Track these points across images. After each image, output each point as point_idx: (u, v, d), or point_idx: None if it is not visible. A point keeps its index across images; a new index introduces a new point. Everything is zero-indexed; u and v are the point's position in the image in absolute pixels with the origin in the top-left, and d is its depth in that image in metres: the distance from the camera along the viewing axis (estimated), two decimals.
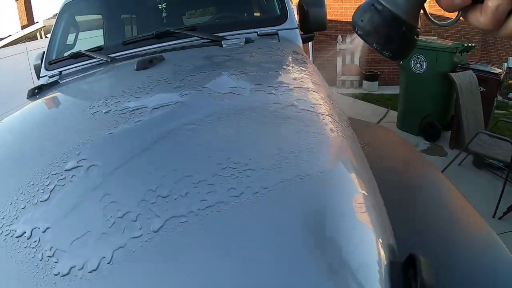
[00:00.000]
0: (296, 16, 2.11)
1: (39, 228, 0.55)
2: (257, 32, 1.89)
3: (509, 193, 3.13)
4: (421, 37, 4.83)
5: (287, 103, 0.83)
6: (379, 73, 7.88)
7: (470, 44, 4.46)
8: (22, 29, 12.14)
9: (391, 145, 1.40)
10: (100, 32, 2.64)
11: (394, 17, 0.54)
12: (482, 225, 0.88)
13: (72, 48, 2.28)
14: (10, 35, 11.86)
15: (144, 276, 0.46)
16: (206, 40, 1.80)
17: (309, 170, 0.61)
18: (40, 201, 0.60)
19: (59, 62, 2.07)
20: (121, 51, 1.90)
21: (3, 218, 0.59)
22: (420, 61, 4.42)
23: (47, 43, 2.27)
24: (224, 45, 1.67)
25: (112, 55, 1.86)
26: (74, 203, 0.57)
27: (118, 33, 2.50)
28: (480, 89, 3.83)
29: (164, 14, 2.21)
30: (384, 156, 1.21)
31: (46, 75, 2.05)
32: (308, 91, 0.96)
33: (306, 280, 0.44)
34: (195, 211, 0.51)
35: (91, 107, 0.96)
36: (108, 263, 0.47)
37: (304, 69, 1.23)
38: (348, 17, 7.85)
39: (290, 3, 2.11)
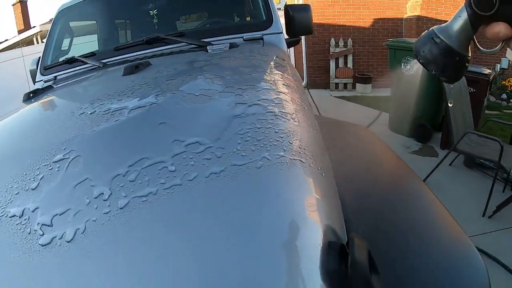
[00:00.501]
0: (283, 21, 2.18)
1: (29, 209, 0.65)
2: (243, 37, 1.96)
3: (498, 192, 3.18)
4: (411, 39, 4.90)
5: (251, 102, 0.90)
6: (371, 76, 7.96)
7: None
8: (18, 33, 12.19)
9: (366, 144, 1.45)
10: (94, 37, 2.70)
11: (449, 49, 0.66)
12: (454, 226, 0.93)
13: (67, 54, 2.35)
14: (6, 40, 11.90)
15: (111, 244, 0.56)
16: (193, 46, 1.87)
17: (258, 158, 0.69)
18: (31, 188, 0.70)
19: (54, 67, 2.14)
20: (113, 57, 1.97)
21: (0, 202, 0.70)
22: (411, 63, 4.48)
23: (43, 49, 2.33)
24: (209, 50, 1.74)
25: (104, 61, 1.93)
26: (59, 188, 0.68)
27: (112, 39, 2.56)
28: (470, 90, 3.89)
29: (155, 20, 2.27)
30: (357, 155, 1.26)
31: (42, 80, 2.12)
32: (275, 92, 1.01)
33: (248, 261, 0.51)
34: (153, 192, 0.62)
35: (79, 109, 1.04)
36: (82, 233, 0.57)
37: (280, 72, 1.28)
38: (341, 21, 7.93)
39: (276, 9, 2.18)
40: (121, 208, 0.60)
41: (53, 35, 2.35)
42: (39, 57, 2.33)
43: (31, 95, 1.76)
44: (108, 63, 1.91)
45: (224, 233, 0.54)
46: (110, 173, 0.68)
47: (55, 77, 2.08)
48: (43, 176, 0.72)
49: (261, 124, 0.79)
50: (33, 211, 0.64)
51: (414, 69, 4.44)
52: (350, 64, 8.12)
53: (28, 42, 11.26)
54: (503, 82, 7.34)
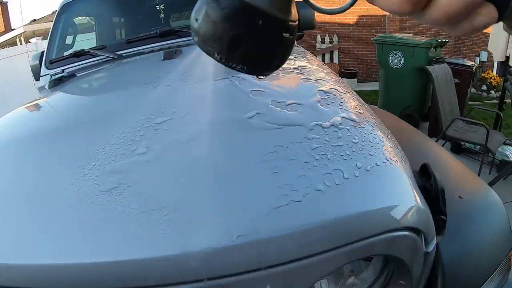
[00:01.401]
0: None
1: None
2: None
3: (485, 174, 3.39)
4: (397, 35, 5.12)
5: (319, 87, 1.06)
6: (357, 70, 8.17)
7: (443, 40, 4.74)
8: None
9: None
10: (92, 35, 2.68)
11: (241, 6, 0.34)
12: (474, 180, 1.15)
13: (71, 48, 2.33)
14: None
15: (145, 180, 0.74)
16: None
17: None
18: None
19: (61, 61, 2.09)
20: (125, 49, 1.95)
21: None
22: (398, 57, 4.69)
23: (47, 44, 2.29)
24: None
25: (118, 53, 1.91)
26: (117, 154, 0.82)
27: (114, 34, 2.58)
28: (455, 80, 4.10)
29: (162, 15, 2.27)
30: None
31: (48, 74, 2.03)
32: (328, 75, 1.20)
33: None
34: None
35: (147, 83, 1.17)
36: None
37: (313, 58, 1.46)
38: (327, 18, 8.12)
39: None
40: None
41: (57, 29, 2.31)
42: (42, 52, 2.27)
43: (57, 81, 1.72)
44: (123, 55, 1.89)
45: None
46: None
47: (63, 70, 1.98)
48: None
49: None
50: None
51: (401, 62, 4.67)
52: (336, 60, 8.30)
53: (11, 43, 11.14)
54: (483, 74, 7.63)
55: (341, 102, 0.99)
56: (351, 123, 0.88)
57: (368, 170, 0.75)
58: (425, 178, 0.85)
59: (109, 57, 1.89)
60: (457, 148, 4.06)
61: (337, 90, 1.05)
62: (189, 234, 0.63)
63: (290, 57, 1.21)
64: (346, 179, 0.72)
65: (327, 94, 1.01)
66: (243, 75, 1.03)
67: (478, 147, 3.68)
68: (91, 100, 1.40)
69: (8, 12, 14.20)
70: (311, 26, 2.32)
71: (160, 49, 1.81)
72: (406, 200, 0.75)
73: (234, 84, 1.04)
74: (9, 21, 14.09)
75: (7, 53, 7.57)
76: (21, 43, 11.28)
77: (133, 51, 1.92)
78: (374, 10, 8.23)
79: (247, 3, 0.34)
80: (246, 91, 0.99)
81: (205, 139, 0.81)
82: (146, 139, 0.84)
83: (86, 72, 1.81)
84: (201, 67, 1.24)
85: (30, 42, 10.62)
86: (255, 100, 0.94)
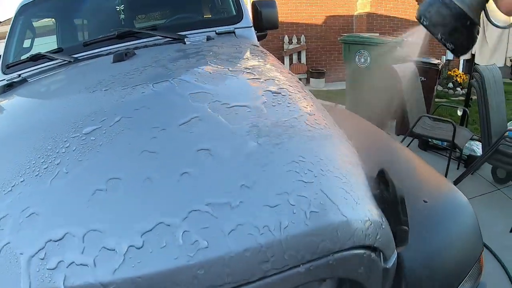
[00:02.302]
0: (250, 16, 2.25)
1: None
2: (216, 31, 1.99)
3: (453, 169, 3.41)
4: (365, 34, 5.13)
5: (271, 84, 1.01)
6: (325, 70, 8.20)
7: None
8: None
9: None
10: (52, 38, 2.57)
11: (460, 11, 0.62)
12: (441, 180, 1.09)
13: (29, 51, 2.22)
14: None
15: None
16: (168, 39, 1.86)
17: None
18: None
19: (18, 65, 2.00)
20: (82, 52, 1.89)
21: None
22: (364, 56, 4.69)
23: (3, 47, 2.17)
24: (187, 42, 1.75)
25: (74, 56, 1.86)
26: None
27: (75, 36, 2.49)
28: (421, 78, 4.13)
29: (122, 16, 2.23)
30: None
31: (4, 79, 1.95)
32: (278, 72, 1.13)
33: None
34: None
35: (88, 88, 1.09)
36: None
37: (270, 58, 1.39)
38: (294, 18, 8.12)
39: (245, 3, 2.24)
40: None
41: (15, 32, 2.23)
42: None
43: (6, 87, 1.65)
44: (78, 58, 1.84)
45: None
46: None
47: (19, 75, 1.92)
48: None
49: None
50: None
51: (368, 61, 4.66)
52: (303, 60, 8.35)
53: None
54: (449, 72, 7.78)
55: (289, 104, 0.91)
56: (298, 127, 0.81)
57: (312, 182, 0.66)
58: (383, 186, 0.76)
59: (65, 60, 1.84)
60: (425, 145, 4.08)
61: (287, 90, 0.98)
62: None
63: (244, 56, 1.33)
64: (287, 194, 0.63)
65: (275, 94, 0.94)
66: (184, 77, 1.05)
67: (445, 143, 3.69)
68: (29, 108, 1.30)
69: None
70: (275, 26, 2.33)
71: (117, 51, 1.73)
72: (358, 214, 0.66)
73: (173, 87, 0.98)
74: None
75: None
76: None
77: (90, 54, 1.87)
78: (341, 11, 8.29)
79: (464, 12, 0.62)
80: (185, 94, 0.92)
81: (131, 150, 0.74)
82: (70, 153, 0.75)
83: (37, 78, 1.74)
84: (147, 70, 1.19)
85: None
86: (193, 104, 0.87)
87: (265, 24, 2.28)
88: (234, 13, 2.20)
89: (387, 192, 0.73)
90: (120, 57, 1.42)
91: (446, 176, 3.17)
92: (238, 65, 1.15)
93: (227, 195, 0.61)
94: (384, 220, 0.69)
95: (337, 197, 0.66)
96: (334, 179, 0.70)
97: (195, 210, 0.59)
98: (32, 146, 0.81)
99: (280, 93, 0.95)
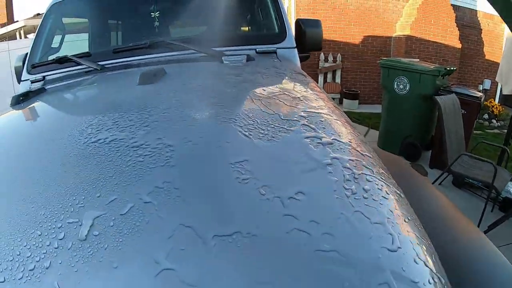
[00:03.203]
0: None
1: None
2: (256, 49, 1.85)
3: (487, 211, 3.26)
4: (404, 59, 5.00)
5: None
6: (359, 92, 8.06)
7: (451, 68, 4.60)
8: (1, 27, 11.89)
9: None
10: (85, 36, 2.52)
11: None
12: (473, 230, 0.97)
13: (57, 52, 2.17)
14: None
15: None
16: (203, 54, 1.72)
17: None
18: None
19: (43, 66, 1.94)
20: (111, 59, 1.80)
21: None
22: (403, 83, 4.54)
23: (31, 44, 2.12)
24: (225, 61, 1.59)
25: (102, 63, 1.76)
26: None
27: (106, 39, 2.42)
28: (462, 111, 3.99)
29: (156, 23, 2.11)
30: None
31: (28, 79, 1.92)
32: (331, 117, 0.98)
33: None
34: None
35: (89, 126, 0.91)
36: None
37: (319, 93, 1.22)
38: (331, 36, 8.04)
39: (288, 21, 2.07)
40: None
41: (44, 30, 2.14)
42: (26, 54, 2.11)
43: (21, 98, 1.52)
44: (106, 66, 1.74)
45: None
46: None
47: (44, 77, 1.87)
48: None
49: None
50: None
51: (407, 88, 4.54)
52: (338, 79, 8.19)
53: (11, 36, 11.00)
54: (485, 103, 7.57)
55: (339, 143, 0.82)
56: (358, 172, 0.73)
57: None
58: None
59: (91, 67, 1.74)
60: (459, 182, 3.94)
61: (359, 161, 0.84)
62: None
63: (294, 94, 1.09)
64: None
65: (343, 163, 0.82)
66: (223, 131, 0.84)
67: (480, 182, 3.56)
68: (36, 134, 1.11)
69: (12, 3, 14.05)
70: (318, 47, 2.19)
71: (146, 64, 1.65)
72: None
73: (207, 151, 0.78)
74: (13, 13, 13.95)
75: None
76: (21, 37, 11.16)
77: (119, 63, 1.77)
78: (380, 31, 8.17)
79: None
80: (223, 163, 0.73)
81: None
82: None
83: (56, 88, 1.64)
84: (176, 106, 1.00)
85: (27, 37, 10.48)
86: (235, 186, 0.68)
87: (308, 45, 2.12)
88: (277, 30, 2.04)
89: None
90: (147, 79, 1.25)
91: (481, 218, 3.04)
92: (291, 111, 0.94)
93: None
94: None
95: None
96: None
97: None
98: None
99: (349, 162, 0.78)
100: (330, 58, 8.07)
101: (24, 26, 11.01)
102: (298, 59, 1.96)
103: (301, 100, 1.06)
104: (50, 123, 1.17)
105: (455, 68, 4.91)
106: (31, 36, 9.57)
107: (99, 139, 0.83)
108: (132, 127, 0.86)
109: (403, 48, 7.81)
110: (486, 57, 9.22)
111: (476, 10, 8.98)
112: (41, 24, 2.16)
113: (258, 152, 0.76)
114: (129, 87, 1.30)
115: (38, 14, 14.66)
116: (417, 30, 7.86)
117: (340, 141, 0.83)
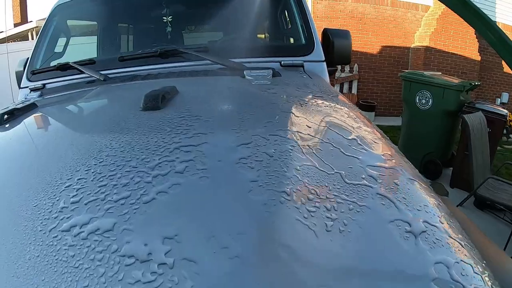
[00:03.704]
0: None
1: None
2: (281, 62, 1.65)
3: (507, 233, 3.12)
4: (427, 73, 4.83)
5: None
6: (376, 103, 7.88)
7: (476, 83, 4.41)
8: (14, 26, 11.92)
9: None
10: (93, 39, 2.38)
11: None
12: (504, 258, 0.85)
13: (61, 57, 2.02)
14: (1, 32, 11.64)
15: None
16: (221, 66, 1.53)
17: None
18: None
19: (44, 73, 1.80)
20: (116, 68, 1.64)
21: None
22: (426, 97, 4.34)
23: (32, 48, 1.97)
24: (247, 76, 1.37)
25: (106, 72, 1.59)
26: None
27: (114, 44, 2.27)
28: (488, 130, 3.83)
29: (168, 29, 1.93)
30: None
31: (27, 86, 1.78)
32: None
33: None
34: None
35: (74, 165, 0.75)
36: None
37: (361, 119, 1.04)
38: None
39: (316, 31, 1.85)
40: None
41: (46, 34, 1.99)
42: (27, 58, 1.97)
43: (5, 116, 1.22)
44: (110, 76, 1.57)
45: None
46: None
47: (44, 85, 1.72)
48: None
49: None
50: None
51: (429, 103, 4.37)
52: (354, 90, 8.00)
53: (23, 37, 11.01)
54: None
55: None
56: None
57: None
58: None
59: (94, 77, 1.58)
60: (481, 204, 3.77)
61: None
62: None
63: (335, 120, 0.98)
64: None
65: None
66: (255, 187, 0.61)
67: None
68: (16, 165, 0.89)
69: (26, 3, 14.06)
70: (347, 61, 1.99)
71: (155, 76, 1.46)
72: None
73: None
74: (27, 13, 13.95)
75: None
76: (32, 38, 11.19)
77: (124, 73, 1.61)
78: (398, 42, 8.00)
79: None
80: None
81: None
82: None
83: (48, 105, 1.43)
84: (189, 149, 0.74)
85: None
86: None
87: (336, 58, 1.89)
88: (304, 41, 1.81)
89: None
90: (154, 103, 1.00)
91: (507, 244, 2.90)
92: (354, 168, 0.72)
93: None
94: None
95: None
96: None
97: None
98: None
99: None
100: (347, 68, 7.89)
101: (36, 27, 11.00)
102: (327, 74, 1.73)
103: (359, 144, 0.83)
104: (29, 158, 0.91)
105: (479, 83, 4.73)
106: None
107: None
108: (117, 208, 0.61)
109: (422, 60, 7.62)
110: (505, 70, 9.02)
111: (495, 21, 8.79)
112: (43, 27, 2.01)
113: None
114: (130, 112, 1.04)
115: None
116: (436, 41, 7.67)
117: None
